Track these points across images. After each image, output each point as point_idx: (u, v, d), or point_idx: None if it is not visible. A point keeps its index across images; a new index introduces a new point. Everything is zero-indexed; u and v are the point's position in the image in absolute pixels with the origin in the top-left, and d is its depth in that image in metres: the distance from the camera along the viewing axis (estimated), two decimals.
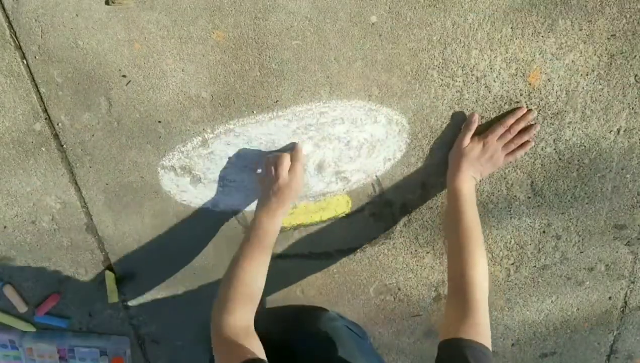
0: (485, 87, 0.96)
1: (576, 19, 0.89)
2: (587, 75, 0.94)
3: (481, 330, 0.83)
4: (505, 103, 0.97)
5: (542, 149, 1.03)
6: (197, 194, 1.09)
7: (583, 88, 0.96)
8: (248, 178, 1.06)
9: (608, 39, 0.90)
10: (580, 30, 0.90)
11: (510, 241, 1.17)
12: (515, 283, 1.24)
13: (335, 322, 1.16)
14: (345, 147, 1.03)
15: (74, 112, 0.99)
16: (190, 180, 1.07)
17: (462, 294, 0.87)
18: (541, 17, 0.89)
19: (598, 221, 1.13)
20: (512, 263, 1.20)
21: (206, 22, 0.89)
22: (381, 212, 1.12)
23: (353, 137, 1.01)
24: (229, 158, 1.03)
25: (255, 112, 0.98)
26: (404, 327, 1.32)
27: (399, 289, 1.24)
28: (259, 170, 1.04)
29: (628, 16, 0.88)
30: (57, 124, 1.00)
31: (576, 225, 1.14)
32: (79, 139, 1.02)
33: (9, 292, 1.25)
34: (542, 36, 0.90)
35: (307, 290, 1.24)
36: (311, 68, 0.93)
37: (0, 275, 1.24)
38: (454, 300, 0.89)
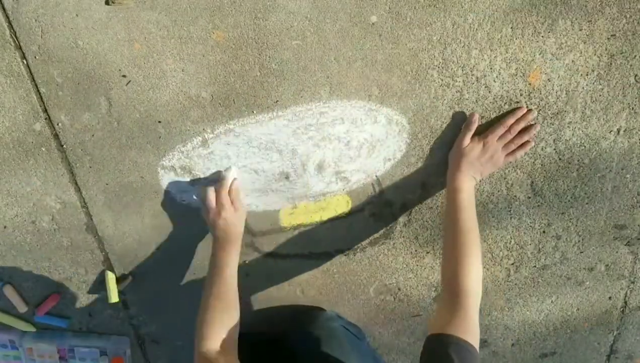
0: (485, 87, 0.96)
1: (576, 19, 0.89)
2: (587, 75, 0.94)
3: (470, 328, 0.83)
4: (505, 103, 0.97)
5: (542, 149, 1.03)
6: (197, 194, 1.09)
7: (583, 88, 0.96)
8: (248, 178, 1.06)
9: (608, 39, 0.90)
10: (580, 30, 0.90)
11: (510, 241, 1.17)
12: (515, 284, 1.24)
13: (332, 322, 1.16)
14: (345, 147, 1.03)
15: (74, 112, 0.99)
16: (190, 180, 1.07)
17: (455, 293, 0.87)
18: (541, 17, 0.89)
19: (598, 221, 1.13)
20: (512, 263, 1.20)
21: (206, 22, 0.89)
22: (381, 212, 1.12)
23: (353, 137, 1.01)
24: (229, 158, 1.03)
25: (255, 112, 0.98)
26: (404, 327, 1.32)
27: (399, 289, 1.24)
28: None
29: (628, 16, 0.88)
30: (57, 124, 1.00)
31: (576, 225, 1.14)
32: (79, 139, 1.02)
33: (9, 292, 1.25)
34: (542, 36, 0.90)
35: (307, 290, 1.24)
36: (311, 68, 0.93)
37: (0, 275, 1.24)
38: (446, 297, 0.89)
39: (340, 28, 0.89)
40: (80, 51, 0.92)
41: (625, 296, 1.26)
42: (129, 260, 1.19)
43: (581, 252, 1.18)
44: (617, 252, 1.18)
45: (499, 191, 1.09)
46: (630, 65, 0.93)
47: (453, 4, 0.87)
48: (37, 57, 0.92)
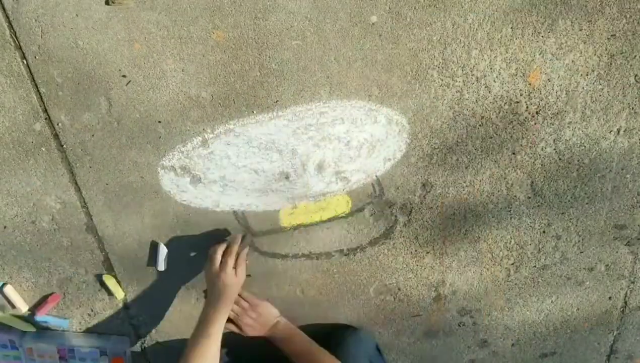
0: (485, 87, 0.96)
1: (576, 19, 0.89)
2: (587, 75, 0.94)
3: None
4: (505, 103, 0.97)
5: (542, 149, 1.03)
6: (197, 194, 1.09)
7: (583, 88, 0.96)
8: (248, 178, 1.06)
9: (608, 39, 0.91)
10: (580, 30, 0.90)
11: (510, 241, 1.17)
12: (515, 283, 1.24)
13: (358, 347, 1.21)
14: (345, 147, 1.03)
15: (74, 112, 0.99)
16: (190, 180, 1.07)
17: None
18: (541, 17, 0.89)
19: (598, 221, 1.13)
20: (512, 263, 1.20)
21: (206, 22, 0.89)
22: (381, 212, 1.12)
23: (353, 137, 1.01)
24: (229, 158, 1.03)
25: (255, 112, 0.98)
26: (404, 327, 1.32)
27: (399, 289, 1.24)
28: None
29: (628, 16, 0.88)
30: (57, 124, 1.00)
31: (576, 225, 1.14)
32: (79, 139, 1.02)
33: (9, 292, 1.25)
34: (542, 36, 0.90)
35: (307, 290, 1.24)
36: (311, 68, 0.93)
37: (0, 275, 1.24)
38: None
39: (340, 28, 0.89)
40: (80, 51, 0.92)
41: (625, 296, 1.26)
42: (129, 260, 1.19)
43: (581, 252, 1.18)
44: (617, 252, 1.18)
45: (499, 191, 1.09)
46: (630, 65, 0.93)
47: (453, 4, 0.87)
48: (37, 57, 0.92)
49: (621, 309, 1.28)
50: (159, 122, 0.99)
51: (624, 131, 1.01)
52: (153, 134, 1.01)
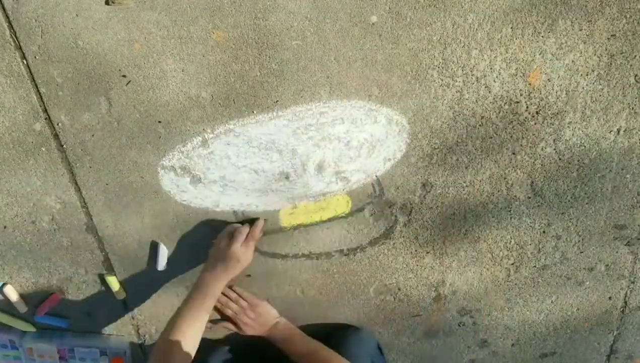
0: (485, 87, 0.96)
1: (576, 19, 0.89)
2: (587, 75, 0.94)
3: None
4: (505, 103, 0.97)
5: (542, 149, 1.03)
6: (197, 194, 1.09)
7: (583, 88, 0.96)
8: (248, 178, 1.06)
9: (608, 39, 0.91)
10: (580, 30, 0.90)
11: (510, 241, 1.17)
12: (515, 283, 1.24)
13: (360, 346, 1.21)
14: (345, 147, 1.03)
15: (74, 112, 0.99)
16: (190, 180, 1.07)
17: None
18: (541, 17, 0.89)
19: (598, 221, 1.13)
20: (512, 263, 1.20)
21: (206, 22, 0.89)
22: (381, 212, 1.12)
23: (353, 137, 1.01)
24: (229, 158, 1.03)
25: (255, 112, 0.98)
26: (404, 327, 1.32)
27: (399, 289, 1.24)
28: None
29: (628, 16, 0.88)
30: (57, 124, 1.00)
31: (576, 225, 1.14)
32: (79, 139, 1.02)
33: (9, 292, 1.25)
34: (542, 36, 0.90)
35: (307, 290, 1.24)
36: (311, 68, 0.93)
37: (0, 275, 1.24)
38: None
39: (340, 28, 0.89)
40: (80, 51, 0.92)
41: (625, 296, 1.26)
42: (129, 260, 1.19)
43: (581, 252, 1.18)
44: (617, 252, 1.18)
45: (499, 191, 1.09)
46: (630, 65, 0.93)
47: (453, 4, 0.87)
48: (37, 57, 0.92)
49: (621, 309, 1.28)
50: (159, 122, 0.99)
51: (624, 131, 1.01)
52: (153, 134, 1.01)
